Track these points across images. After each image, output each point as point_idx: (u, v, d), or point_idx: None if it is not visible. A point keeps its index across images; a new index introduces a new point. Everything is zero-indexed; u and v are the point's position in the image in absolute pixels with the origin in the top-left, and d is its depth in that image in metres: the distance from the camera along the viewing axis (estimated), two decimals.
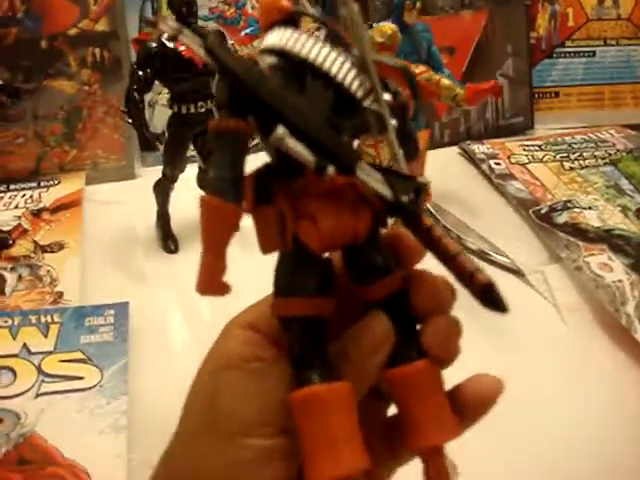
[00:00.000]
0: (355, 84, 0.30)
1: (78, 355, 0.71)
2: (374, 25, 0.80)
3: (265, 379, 0.33)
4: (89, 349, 0.71)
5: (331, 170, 0.29)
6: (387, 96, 0.31)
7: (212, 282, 0.29)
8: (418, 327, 0.34)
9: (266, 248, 0.32)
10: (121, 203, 1.00)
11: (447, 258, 0.32)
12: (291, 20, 0.31)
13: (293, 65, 0.30)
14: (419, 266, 0.35)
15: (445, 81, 0.74)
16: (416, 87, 0.34)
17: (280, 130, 0.28)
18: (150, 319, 0.78)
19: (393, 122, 0.31)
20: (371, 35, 0.72)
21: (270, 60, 0.30)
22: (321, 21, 0.33)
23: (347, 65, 0.30)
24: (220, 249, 0.29)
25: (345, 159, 0.29)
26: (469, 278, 0.31)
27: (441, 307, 0.34)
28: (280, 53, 0.30)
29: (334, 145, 0.29)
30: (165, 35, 0.79)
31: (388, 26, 0.72)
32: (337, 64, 0.29)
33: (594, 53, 1.25)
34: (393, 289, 0.33)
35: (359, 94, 0.30)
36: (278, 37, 0.30)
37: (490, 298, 0.31)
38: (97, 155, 1.06)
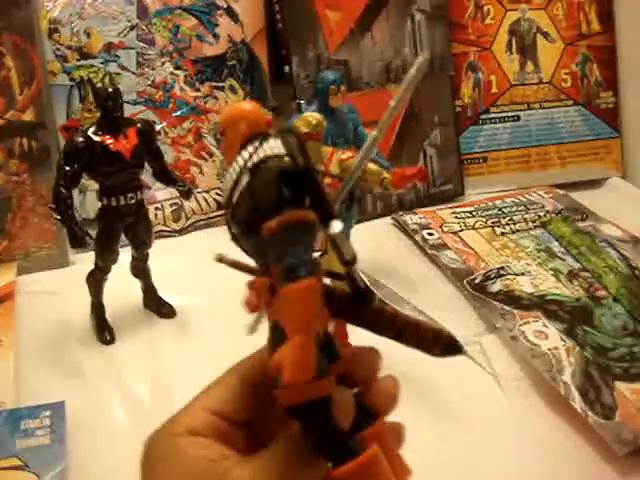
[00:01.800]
0: None
1: (14, 462, 0.68)
2: (302, 110, 0.81)
3: None
4: (26, 454, 0.69)
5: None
6: None
7: (312, 364, 0.29)
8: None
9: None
10: (55, 293, 0.98)
11: (408, 329, 0.36)
12: None
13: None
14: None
15: (372, 166, 0.75)
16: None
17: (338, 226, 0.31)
18: (88, 416, 0.75)
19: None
20: (297, 124, 0.73)
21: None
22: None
23: None
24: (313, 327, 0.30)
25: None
26: (434, 338, 0.36)
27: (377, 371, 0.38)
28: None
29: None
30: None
31: (312, 116, 0.72)
32: None
33: (519, 117, 1.28)
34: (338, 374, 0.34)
35: None
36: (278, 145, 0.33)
37: (456, 347, 0.37)
38: (28, 245, 1.04)
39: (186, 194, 0.87)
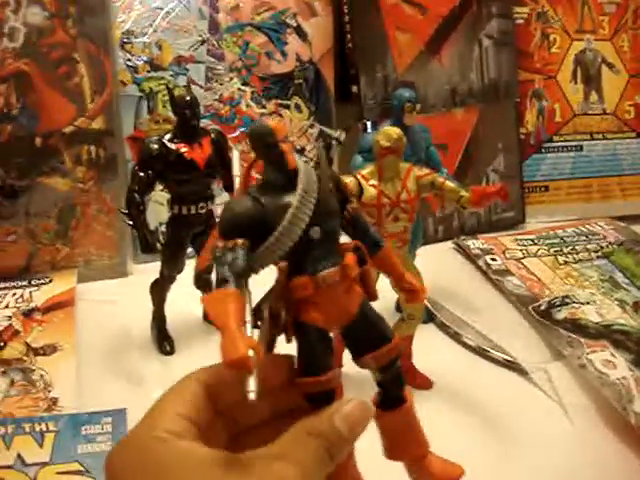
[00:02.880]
0: None
1: (75, 466, 0.68)
2: (367, 130, 0.81)
3: None
4: (86, 460, 0.68)
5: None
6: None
7: (236, 348, 0.33)
8: None
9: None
10: (114, 302, 0.98)
11: None
12: None
13: None
14: None
15: (449, 184, 0.74)
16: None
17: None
18: None
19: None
20: (377, 139, 0.72)
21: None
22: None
23: None
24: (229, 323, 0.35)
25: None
26: None
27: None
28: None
29: None
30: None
31: (394, 130, 0.72)
32: None
33: (581, 147, 1.28)
34: (387, 359, 0.43)
35: None
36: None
37: None
38: (89, 253, 1.05)
39: None
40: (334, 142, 0.43)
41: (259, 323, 0.40)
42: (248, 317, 0.37)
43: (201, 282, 0.90)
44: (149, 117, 1.07)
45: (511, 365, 0.84)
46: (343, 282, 0.41)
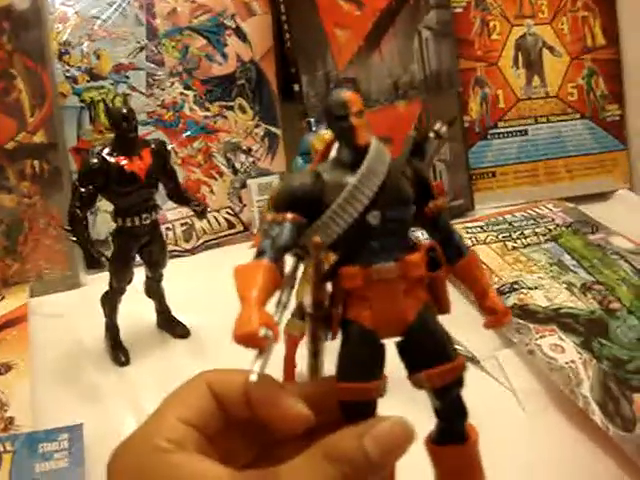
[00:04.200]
0: None
1: None
2: (312, 129, 0.81)
3: None
4: (44, 478, 0.68)
5: None
6: None
7: (248, 324, 0.32)
8: None
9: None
10: (68, 315, 0.97)
11: None
12: None
13: None
14: None
15: None
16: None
17: None
18: (106, 438, 0.74)
19: None
20: (312, 143, 0.73)
21: None
22: None
23: None
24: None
25: None
26: None
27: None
28: None
29: None
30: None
31: (328, 133, 0.72)
32: None
33: (526, 131, 1.28)
34: (442, 380, 0.38)
35: None
36: None
37: None
38: (40, 267, 1.04)
39: (201, 214, 0.87)
40: (432, 135, 0.40)
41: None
42: (279, 297, 0.36)
43: (152, 290, 0.90)
44: (92, 127, 1.07)
45: (463, 354, 0.85)
46: (402, 281, 0.37)
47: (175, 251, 1.11)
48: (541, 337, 0.85)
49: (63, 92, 1.05)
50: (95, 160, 0.78)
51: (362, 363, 0.37)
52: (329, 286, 0.38)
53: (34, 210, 1.03)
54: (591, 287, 0.97)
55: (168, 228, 1.11)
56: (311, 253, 0.36)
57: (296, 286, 0.37)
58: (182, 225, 1.12)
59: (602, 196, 1.30)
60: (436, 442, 0.40)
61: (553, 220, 1.16)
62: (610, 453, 0.70)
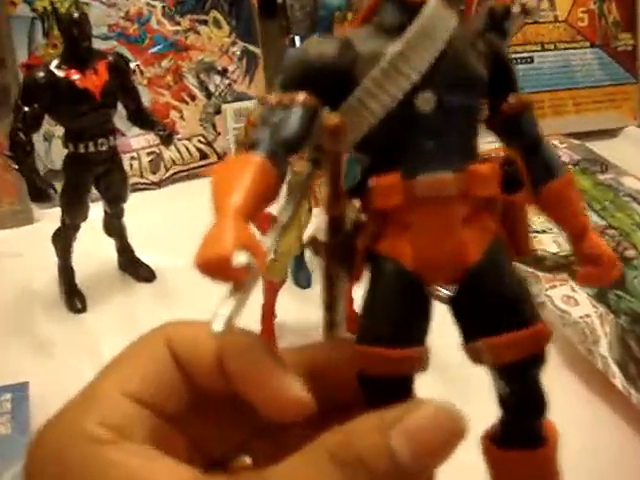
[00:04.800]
0: None
1: None
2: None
3: None
4: None
5: None
6: None
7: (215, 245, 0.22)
8: None
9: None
10: (18, 254, 0.89)
11: None
12: None
13: None
14: None
15: None
16: None
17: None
18: (56, 399, 0.65)
19: None
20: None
21: None
22: None
23: None
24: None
25: None
26: None
27: None
28: None
29: None
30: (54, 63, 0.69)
31: None
32: None
33: (532, 59, 1.20)
34: (513, 355, 0.26)
35: None
36: None
37: None
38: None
39: (167, 139, 0.78)
40: (516, 9, 0.28)
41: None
42: (278, 213, 0.26)
43: (111, 228, 0.81)
44: (45, 41, 0.96)
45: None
46: (463, 203, 0.26)
47: (140, 183, 1.03)
48: (552, 287, 0.78)
49: (13, 0, 0.94)
50: (41, 74, 0.70)
51: (396, 319, 0.26)
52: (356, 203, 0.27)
53: None
54: (604, 232, 0.89)
55: (133, 157, 1.03)
56: (325, 145, 0.25)
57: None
58: (149, 155, 1.04)
59: (609, 132, 1.23)
60: (499, 443, 0.28)
61: (559, 157, 1.07)
62: (632, 420, 0.64)
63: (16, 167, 0.69)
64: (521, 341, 0.26)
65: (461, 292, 0.26)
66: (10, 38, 0.95)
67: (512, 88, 0.28)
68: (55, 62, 0.70)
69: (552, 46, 1.20)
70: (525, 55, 1.19)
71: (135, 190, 0.94)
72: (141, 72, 1.00)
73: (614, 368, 0.67)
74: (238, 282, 0.21)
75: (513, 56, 1.18)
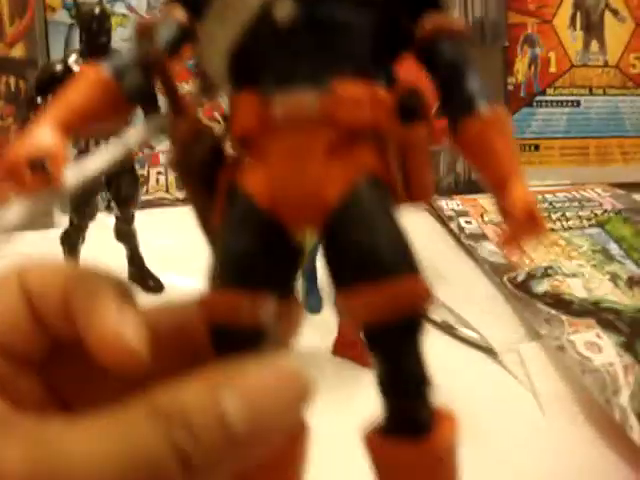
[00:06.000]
0: None
1: None
2: None
3: None
4: None
5: None
6: None
7: None
8: None
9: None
10: (38, 256, 0.87)
11: None
12: None
13: None
14: None
15: None
16: None
17: None
18: None
19: None
20: None
21: None
22: None
23: None
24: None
25: None
26: None
27: None
28: None
29: None
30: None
31: None
32: None
33: (578, 103, 1.17)
34: (378, 311, 0.21)
35: None
36: None
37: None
38: (12, 199, 0.93)
39: None
40: None
41: None
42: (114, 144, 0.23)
43: (122, 233, 0.79)
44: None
45: (479, 345, 0.73)
46: (326, 132, 0.22)
47: (166, 199, 1.00)
48: (575, 332, 0.73)
49: (52, 5, 0.95)
50: (58, 66, 0.69)
51: (238, 260, 0.22)
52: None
53: (6, 134, 0.93)
54: (639, 281, 0.84)
55: (159, 172, 1.01)
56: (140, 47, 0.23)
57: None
58: None
59: None
60: (379, 433, 0.23)
61: (601, 205, 1.04)
62: None
63: None
64: (380, 298, 0.21)
65: (322, 239, 0.23)
66: (44, 41, 0.95)
67: (429, 5, 0.24)
68: (73, 57, 0.69)
69: (601, 91, 1.17)
70: (572, 98, 1.17)
71: (160, 205, 0.93)
72: None
73: (633, 421, 0.61)
74: (29, 187, 0.21)
75: (559, 98, 1.16)
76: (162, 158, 1.01)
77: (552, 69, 1.16)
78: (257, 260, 0.22)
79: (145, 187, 0.95)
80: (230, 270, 0.22)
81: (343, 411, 0.64)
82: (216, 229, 0.24)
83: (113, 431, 0.19)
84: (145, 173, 0.94)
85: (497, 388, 0.67)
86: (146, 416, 0.19)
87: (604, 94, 1.17)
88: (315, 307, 0.77)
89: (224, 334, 0.22)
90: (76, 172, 0.22)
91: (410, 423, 0.23)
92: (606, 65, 1.17)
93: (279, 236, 0.23)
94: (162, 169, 1.01)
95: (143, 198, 0.91)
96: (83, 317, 0.22)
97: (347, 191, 0.22)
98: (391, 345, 0.22)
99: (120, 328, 0.22)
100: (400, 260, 0.22)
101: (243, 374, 0.20)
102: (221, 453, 0.19)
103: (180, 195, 1.02)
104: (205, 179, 0.24)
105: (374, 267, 0.22)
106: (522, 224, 0.24)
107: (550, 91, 1.16)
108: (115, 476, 0.18)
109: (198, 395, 0.19)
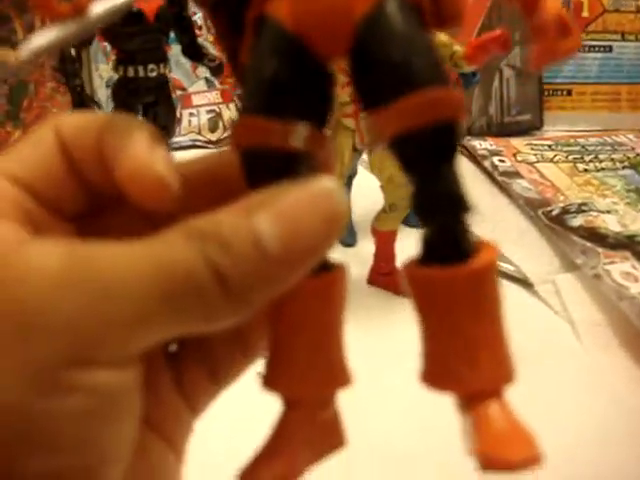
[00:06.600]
0: None
1: None
2: None
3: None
4: None
5: None
6: None
7: None
8: None
9: None
10: None
11: None
12: None
13: None
14: None
15: (442, 37, 0.60)
16: None
17: None
18: None
19: None
20: None
21: None
22: None
23: None
24: None
25: None
26: None
27: None
28: None
29: None
30: None
31: None
32: None
33: (611, 48, 1.15)
34: (422, 120, 0.20)
35: None
36: None
37: None
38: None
39: (216, 70, 0.76)
40: None
41: None
42: None
43: None
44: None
45: (515, 276, 0.73)
46: None
47: (198, 141, 1.00)
48: (611, 263, 0.73)
49: None
50: None
51: (267, 85, 0.21)
52: None
53: (42, 72, 0.91)
54: None
55: (192, 114, 1.00)
56: None
57: None
58: (208, 112, 1.01)
59: None
60: (418, 263, 0.22)
61: (633, 149, 1.03)
62: None
63: (63, 81, 0.68)
64: (412, 105, 0.20)
65: (351, 61, 0.21)
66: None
67: None
68: None
69: (633, 37, 1.15)
70: (604, 44, 1.15)
71: (192, 147, 0.93)
72: (208, 28, 0.99)
73: None
74: (58, 14, 0.20)
75: (592, 43, 1.14)
76: (195, 100, 1.00)
77: (584, 13, 1.14)
78: (287, 85, 0.21)
79: (178, 128, 0.95)
80: (260, 96, 0.21)
81: (379, 338, 0.65)
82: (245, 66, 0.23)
83: (150, 248, 0.19)
84: (178, 115, 0.93)
85: (533, 319, 0.67)
86: (181, 235, 0.19)
87: (636, 40, 1.15)
88: (350, 240, 0.77)
89: (256, 161, 0.22)
90: (104, 2, 0.22)
91: (449, 248, 0.21)
92: (639, 11, 1.15)
93: (309, 61, 0.22)
94: (194, 111, 1.00)
95: (175, 139, 0.91)
96: (115, 154, 0.22)
97: (374, 5, 0.21)
98: (425, 158, 0.21)
99: (151, 160, 0.22)
100: (432, 73, 0.21)
101: (277, 197, 0.20)
102: (256, 273, 0.19)
103: (212, 137, 1.02)
104: (233, 16, 0.23)
105: (406, 80, 0.20)
106: (556, 33, 0.22)
107: (582, 36, 1.14)
108: (151, 286, 0.18)
109: (232, 216, 0.20)
